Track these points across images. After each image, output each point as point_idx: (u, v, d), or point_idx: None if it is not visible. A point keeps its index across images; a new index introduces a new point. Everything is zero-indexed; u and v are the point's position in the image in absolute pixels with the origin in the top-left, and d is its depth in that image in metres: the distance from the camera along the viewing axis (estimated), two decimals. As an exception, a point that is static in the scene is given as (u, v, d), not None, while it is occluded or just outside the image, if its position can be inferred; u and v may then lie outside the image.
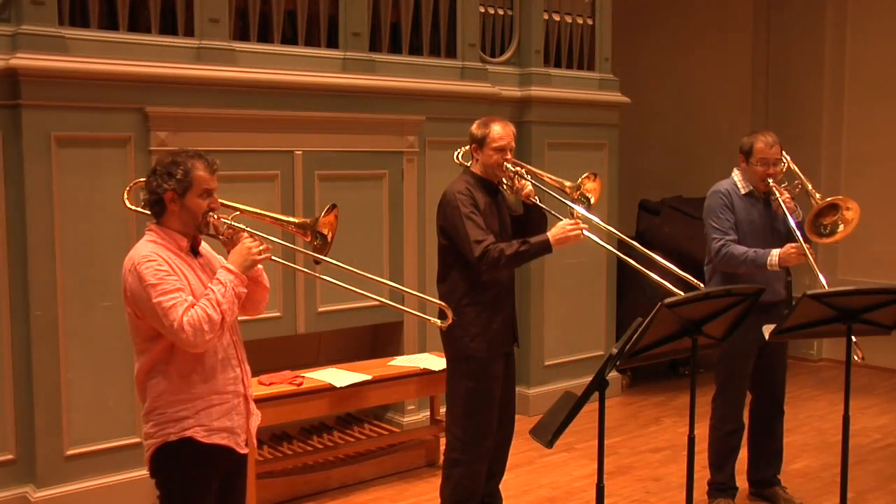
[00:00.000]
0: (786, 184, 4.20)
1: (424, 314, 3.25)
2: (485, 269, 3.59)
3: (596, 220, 3.81)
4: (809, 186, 4.17)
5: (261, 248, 2.76)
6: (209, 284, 2.69)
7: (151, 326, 2.64)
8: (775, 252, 3.99)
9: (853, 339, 3.53)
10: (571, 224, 3.60)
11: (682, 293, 3.26)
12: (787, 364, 4.41)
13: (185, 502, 2.75)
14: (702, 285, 3.74)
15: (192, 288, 2.66)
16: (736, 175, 4.24)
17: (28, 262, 4.05)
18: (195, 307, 2.61)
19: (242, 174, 4.54)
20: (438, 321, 3.09)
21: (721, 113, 8.07)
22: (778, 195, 4.06)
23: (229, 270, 2.70)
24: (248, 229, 2.83)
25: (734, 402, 4.23)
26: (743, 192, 4.19)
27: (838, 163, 7.39)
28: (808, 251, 3.91)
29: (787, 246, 3.99)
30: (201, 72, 4.42)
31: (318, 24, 4.93)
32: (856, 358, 3.59)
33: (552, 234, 3.60)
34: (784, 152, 4.24)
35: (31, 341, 4.08)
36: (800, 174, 4.24)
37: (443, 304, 3.17)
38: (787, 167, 4.26)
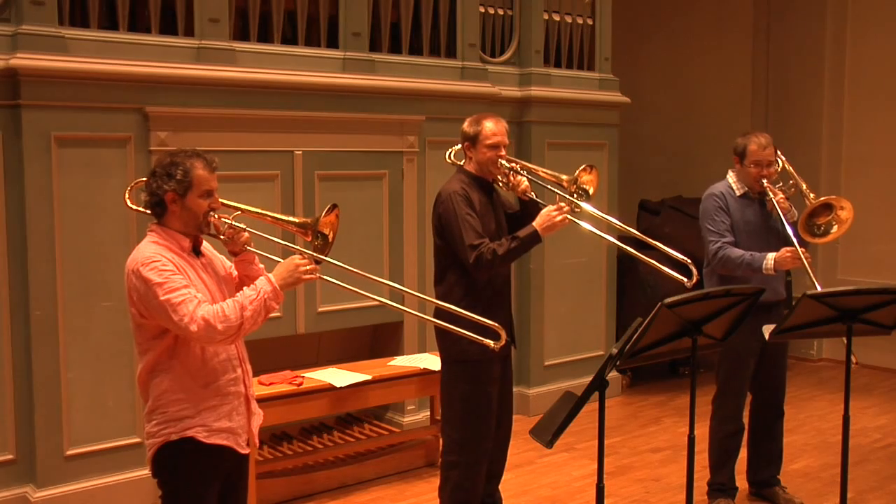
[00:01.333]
0: (780, 184, 4.20)
1: (475, 335, 3.16)
2: (482, 272, 3.60)
3: (611, 219, 3.80)
4: (804, 186, 4.17)
5: (308, 267, 2.74)
6: (244, 287, 2.70)
7: (157, 325, 2.64)
8: (771, 256, 3.99)
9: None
10: (556, 210, 3.58)
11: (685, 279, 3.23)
12: (787, 365, 4.41)
13: (187, 502, 2.75)
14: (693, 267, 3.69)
15: (195, 288, 2.67)
16: (731, 177, 4.24)
17: (28, 262, 4.05)
18: (215, 304, 2.62)
19: (242, 174, 4.54)
20: (491, 342, 3.04)
21: (721, 113, 8.07)
22: (772, 196, 4.05)
23: (269, 282, 2.68)
24: (249, 229, 2.84)
25: (735, 403, 4.23)
26: (738, 193, 4.19)
27: (838, 163, 7.39)
28: (802, 255, 3.91)
29: (783, 250, 3.99)
30: (201, 72, 4.42)
31: (318, 24, 4.93)
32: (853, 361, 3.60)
33: (538, 223, 3.58)
34: (779, 153, 4.24)
35: (31, 341, 4.08)
36: (794, 174, 4.24)
37: (496, 325, 3.12)
38: (782, 167, 4.26)
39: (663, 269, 3.62)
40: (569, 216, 3.62)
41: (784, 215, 4.02)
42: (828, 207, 4.03)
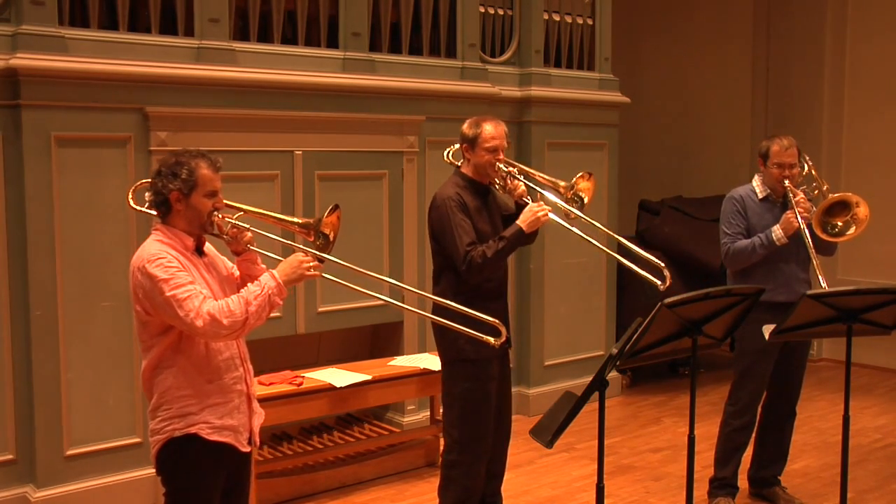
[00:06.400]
0: (804, 187, 4.21)
1: (476, 332, 3.17)
2: (474, 276, 3.63)
3: (603, 227, 3.81)
4: (825, 187, 4.19)
5: (312, 263, 2.77)
6: (248, 284, 2.72)
7: (162, 322, 2.66)
8: (775, 227, 4.01)
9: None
10: (538, 207, 3.66)
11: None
12: (806, 366, 4.37)
13: (191, 498, 2.76)
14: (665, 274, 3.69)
15: (200, 285, 2.68)
16: (756, 180, 4.25)
17: (28, 262, 4.04)
18: (220, 299, 2.65)
19: (242, 174, 4.53)
20: (492, 339, 3.07)
21: (721, 113, 8.07)
22: (791, 196, 4.05)
23: (273, 278, 2.71)
24: (253, 229, 2.86)
25: (749, 400, 4.21)
26: (760, 196, 4.19)
27: (838, 163, 7.39)
28: (801, 216, 3.91)
29: (784, 214, 4.01)
30: (201, 72, 4.42)
31: (318, 24, 4.93)
32: None
33: (522, 221, 3.65)
34: (805, 156, 4.25)
35: (31, 341, 4.07)
36: (818, 178, 4.27)
37: (496, 321, 3.15)
38: (807, 171, 4.27)
39: (651, 279, 3.60)
40: (557, 218, 3.67)
41: (803, 214, 4.01)
42: (845, 206, 4.03)
